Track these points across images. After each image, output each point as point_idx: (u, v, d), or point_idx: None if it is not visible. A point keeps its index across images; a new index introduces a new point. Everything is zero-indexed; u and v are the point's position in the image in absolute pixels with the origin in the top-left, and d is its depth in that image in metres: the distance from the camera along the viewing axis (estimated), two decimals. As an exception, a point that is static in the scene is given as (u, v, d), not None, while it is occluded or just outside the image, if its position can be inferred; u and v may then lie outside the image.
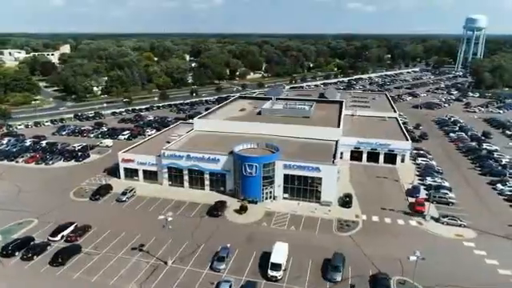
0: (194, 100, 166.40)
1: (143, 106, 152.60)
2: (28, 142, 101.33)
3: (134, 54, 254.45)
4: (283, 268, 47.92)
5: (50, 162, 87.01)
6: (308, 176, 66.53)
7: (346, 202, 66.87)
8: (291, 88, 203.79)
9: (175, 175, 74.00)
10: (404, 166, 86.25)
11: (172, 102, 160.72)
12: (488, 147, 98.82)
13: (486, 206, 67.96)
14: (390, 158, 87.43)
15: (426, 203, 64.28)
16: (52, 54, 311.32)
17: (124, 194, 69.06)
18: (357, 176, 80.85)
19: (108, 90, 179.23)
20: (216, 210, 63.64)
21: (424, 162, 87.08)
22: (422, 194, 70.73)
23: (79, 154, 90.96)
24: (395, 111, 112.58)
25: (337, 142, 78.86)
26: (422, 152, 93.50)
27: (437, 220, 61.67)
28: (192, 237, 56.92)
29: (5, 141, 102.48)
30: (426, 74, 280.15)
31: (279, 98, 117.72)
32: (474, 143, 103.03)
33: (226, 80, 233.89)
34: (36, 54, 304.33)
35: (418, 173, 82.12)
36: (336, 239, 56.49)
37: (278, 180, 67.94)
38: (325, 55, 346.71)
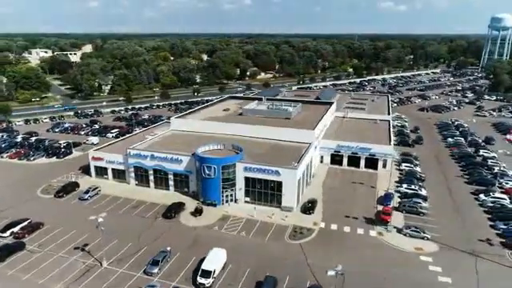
0: (194, 99, 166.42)
1: (143, 105, 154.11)
2: (19, 138, 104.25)
3: (148, 54, 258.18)
4: (214, 275, 46.02)
5: (32, 158, 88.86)
6: (268, 180, 64.20)
7: (308, 208, 63.97)
8: (299, 88, 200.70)
9: (141, 175, 73.49)
10: (385, 171, 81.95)
11: (172, 102, 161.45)
12: (485, 154, 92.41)
13: (461, 217, 63.14)
14: (372, 162, 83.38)
15: (396, 212, 60.38)
16: (74, 54, 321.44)
17: (87, 192, 69.20)
18: (331, 181, 77.54)
19: (115, 89, 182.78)
20: (171, 211, 62.42)
21: (408, 168, 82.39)
22: (395, 202, 66.83)
23: (62, 150, 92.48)
24: (389, 114, 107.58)
25: (310, 144, 75.97)
26: (408, 157, 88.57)
27: (399, 231, 57.75)
28: (138, 238, 56.05)
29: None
30: (445, 76, 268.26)
31: (269, 99, 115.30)
32: (470, 149, 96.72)
33: (234, 80, 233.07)
34: (57, 53, 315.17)
35: (398, 179, 77.87)
36: (285, 247, 53.92)
37: (240, 183, 66.00)
38: (343, 55, 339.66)
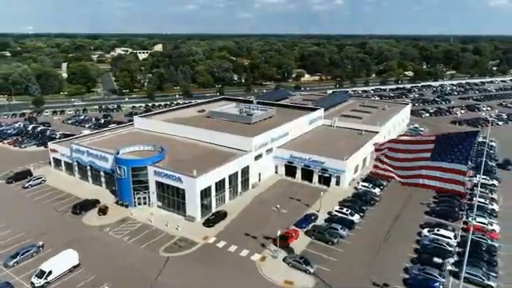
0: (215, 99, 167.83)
1: (163, 103, 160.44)
2: (30, 127, 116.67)
3: (203, 54, 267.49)
4: (48, 277, 45.73)
5: (23, 146, 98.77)
6: (175, 186, 61.71)
7: (210, 220, 60.05)
8: (333, 92, 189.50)
9: (82, 170, 76.58)
10: (337, 189, 72.85)
11: (193, 100, 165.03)
12: (484, 180, 76.26)
13: (380, 252, 53.12)
14: (325, 178, 74.83)
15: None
16: (143, 52, 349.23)
17: (29, 181, 74.49)
18: (268, 194, 71.49)
19: (152, 86, 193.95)
20: (80, 207, 63.79)
21: (364, 188, 72.05)
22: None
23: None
24: (380, 125, 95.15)
25: (246, 152, 71.23)
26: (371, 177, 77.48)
27: (284, 259, 50.76)
28: (30, 230, 58.24)
29: (17, 124, 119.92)
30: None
31: (259, 102, 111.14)
32: (473, 173, 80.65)
33: (273, 81, 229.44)
34: (125, 52, 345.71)
35: (346, 199, 68.51)
36: (151, 258, 51.28)
37: (152, 186, 64.66)
38: (413, 58, 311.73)
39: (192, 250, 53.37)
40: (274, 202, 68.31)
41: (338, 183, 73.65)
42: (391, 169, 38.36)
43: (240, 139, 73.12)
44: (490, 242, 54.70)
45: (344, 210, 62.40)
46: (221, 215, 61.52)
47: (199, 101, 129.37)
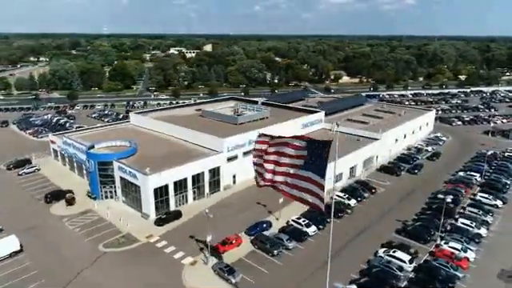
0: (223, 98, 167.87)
1: (186, 101, 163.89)
2: (55, 119, 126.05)
3: (241, 54, 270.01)
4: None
5: (40, 136, 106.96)
6: (133, 182, 62.38)
7: (161, 219, 59.77)
8: (367, 96, 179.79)
9: (70, 161, 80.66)
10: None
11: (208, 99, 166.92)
12: (483, 198, 66.99)
13: (316, 270, 48.79)
14: (301, 185, 70.70)
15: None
16: (190, 52, 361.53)
17: (23, 169, 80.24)
18: (237, 197, 69.41)
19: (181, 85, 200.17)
20: (51, 197, 67.10)
21: (339, 199, 66.85)
22: (267, 233, 56.07)
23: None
24: (382, 132, 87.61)
25: (218, 152, 69.93)
26: (358, 186, 71.74)
27: (213, 266, 48.63)
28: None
29: (45, 116, 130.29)
30: None
31: (264, 103, 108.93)
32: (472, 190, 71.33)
33: (307, 82, 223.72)
34: (177, 52, 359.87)
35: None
36: (87, 252, 52.21)
37: (117, 181, 66.03)
38: (474, 60, 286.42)
39: (130, 248, 53.50)
40: (238, 205, 66.62)
41: (312, 191, 69.19)
42: (265, 167, 36.38)
43: (213, 139, 71.95)
44: (452, 270, 47.56)
45: (300, 220, 58.40)
46: (174, 215, 60.96)
47: (211, 99, 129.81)
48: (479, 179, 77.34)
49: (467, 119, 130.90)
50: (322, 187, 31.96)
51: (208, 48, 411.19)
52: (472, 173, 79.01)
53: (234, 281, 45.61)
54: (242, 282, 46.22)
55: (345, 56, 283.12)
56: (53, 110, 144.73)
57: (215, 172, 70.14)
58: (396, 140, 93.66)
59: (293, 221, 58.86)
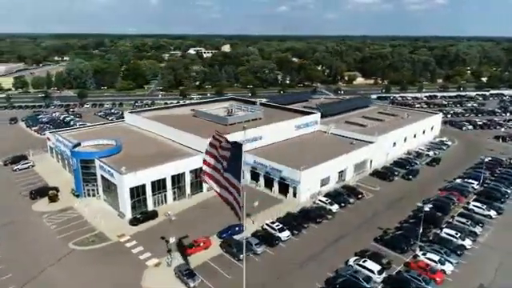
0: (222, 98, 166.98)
1: (194, 101, 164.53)
2: (61, 117, 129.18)
3: (256, 54, 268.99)
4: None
5: (42, 133, 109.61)
6: (111, 181, 62.56)
7: (135, 219, 59.65)
8: (377, 98, 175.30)
9: (62, 158, 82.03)
10: (292, 201, 66.79)
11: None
12: (476, 208, 63.14)
13: (280, 276, 47.15)
14: (284, 188, 69.17)
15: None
16: (207, 52, 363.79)
17: (18, 165, 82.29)
18: (217, 199, 68.16)
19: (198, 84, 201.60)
20: (35, 193, 68.26)
21: (321, 204, 64.70)
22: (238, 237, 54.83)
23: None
24: (377, 135, 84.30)
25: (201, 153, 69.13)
26: (341, 190, 69.40)
27: (175, 268, 47.82)
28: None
29: (53, 114, 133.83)
30: None
31: (262, 104, 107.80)
32: (469, 200, 67.45)
33: (320, 82, 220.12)
34: (196, 52, 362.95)
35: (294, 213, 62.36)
36: (57, 249, 52.60)
37: (99, 179, 66.49)
38: (499, 61, 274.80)
39: (99, 246, 53.54)
40: (218, 207, 64.70)
41: (294, 195, 67.48)
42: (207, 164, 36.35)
43: (196, 139, 71.33)
44: (424, 284, 44.76)
45: (274, 224, 56.79)
46: (150, 215, 60.66)
47: (215, 99, 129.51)
48: (477, 187, 73.19)
49: (479, 123, 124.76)
50: (238, 191, 31.60)
51: (226, 48, 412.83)
52: (470, 180, 74.84)
53: (192, 285, 44.67)
54: (200, 286, 45.26)
55: (362, 57, 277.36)
56: (62, 108, 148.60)
57: (198, 173, 69.45)
58: (394, 144, 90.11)
59: (267, 225, 57.33)
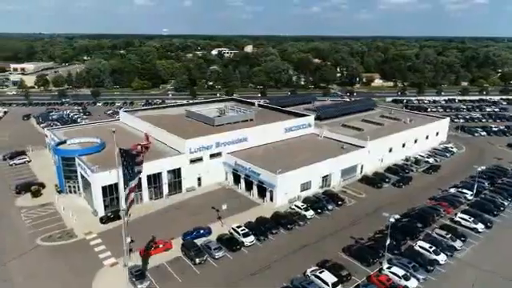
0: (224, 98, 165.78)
1: (196, 101, 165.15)
2: (71, 114, 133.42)
3: (274, 54, 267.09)
4: None
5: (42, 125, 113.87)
6: (87, 179, 63.46)
7: (107, 217, 60.04)
8: (392, 100, 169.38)
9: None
10: (268, 205, 65.16)
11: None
12: (463, 221, 58.93)
13: (233, 283, 45.80)
14: (263, 191, 67.60)
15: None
16: (229, 53, 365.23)
17: (14, 160, 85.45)
18: (195, 201, 67.96)
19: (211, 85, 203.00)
20: (20, 188, 70.35)
21: (296, 210, 62.65)
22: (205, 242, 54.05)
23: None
24: (369, 140, 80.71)
25: (180, 153, 69.16)
26: (320, 196, 66.94)
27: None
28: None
29: (64, 111, 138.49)
30: None
31: (261, 105, 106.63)
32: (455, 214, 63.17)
33: (336, 84, 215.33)
34: (219, 52, 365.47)
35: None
36: (24, 244, 53.76)
37: (79, 177, 67.66)
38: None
39: (64, 243, 54.28)
40: (193, 208, 65.36)
41: (271, 199, 65.78)
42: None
43: (177, 140, 71.21)
44: (379, 299, 42.12)
45: (240, 229, 55.42)
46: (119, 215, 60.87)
47: (214, 99, 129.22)
48: (470, 197, 68.50)
49: (495, 129, 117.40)
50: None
51: (249, 49, 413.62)
52: (464, 190, 70.20)
53: (139, 286, 44.25)
54: (148, 288, 44.79)
55: (384, 58, 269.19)
56: (75, 106, 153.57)
57: (176, 173, 69.27)
58: (390, 149, 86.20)
59: (232, 229, 56.06)
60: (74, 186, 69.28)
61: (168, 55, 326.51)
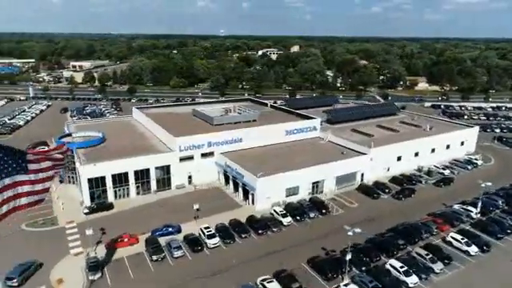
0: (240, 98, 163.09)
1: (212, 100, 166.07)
2: (102, 110, 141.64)
3: (316, 55, 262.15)
4: None
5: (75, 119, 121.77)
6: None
7: (90, 208, 62.71)
8: (431, 106, 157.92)
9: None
10: (247, 208, 63.86)
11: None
12: (456, 243, 52.95)
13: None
14: (247, 193, 66.33)
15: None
16: (273, 53, 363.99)
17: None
18: (180, 198, 68.55)
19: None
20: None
21: (275, 214, 60.57)
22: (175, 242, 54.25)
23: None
24: (371, 147, 75.61)
25: (170, 151, 70.29)
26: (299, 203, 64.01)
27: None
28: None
29: (97, 106, 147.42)
30: None
31: (273, 106, 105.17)
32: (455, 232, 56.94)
33: (376, 87, 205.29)
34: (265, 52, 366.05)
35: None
36: (8, 228, 57.36)
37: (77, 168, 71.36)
38: None
39: (45, 230, 57.55)
40: (176, 206, 66.03)
41: (253, 202, 64.29)
42: None
43: (168, 137, 72.32)
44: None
45: (206, 230, 54.77)
46: (105, 206, 63.23)
47: (229, 99, 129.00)
48: (476, 216, 61.42)
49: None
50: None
51: (295, 49, 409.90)
52: (469, 207, 63.10)
53: (91, 278, 45.54)
54: (101, 280, 45.82)
55: (435, 60, 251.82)
56: (110, 102, 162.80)
57: (165, 170, 70.36)
58: (399, 158, 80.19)
59: (200, 229, 55.60)
60: (73, 177, 73.26)
61: (213, 55, 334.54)
